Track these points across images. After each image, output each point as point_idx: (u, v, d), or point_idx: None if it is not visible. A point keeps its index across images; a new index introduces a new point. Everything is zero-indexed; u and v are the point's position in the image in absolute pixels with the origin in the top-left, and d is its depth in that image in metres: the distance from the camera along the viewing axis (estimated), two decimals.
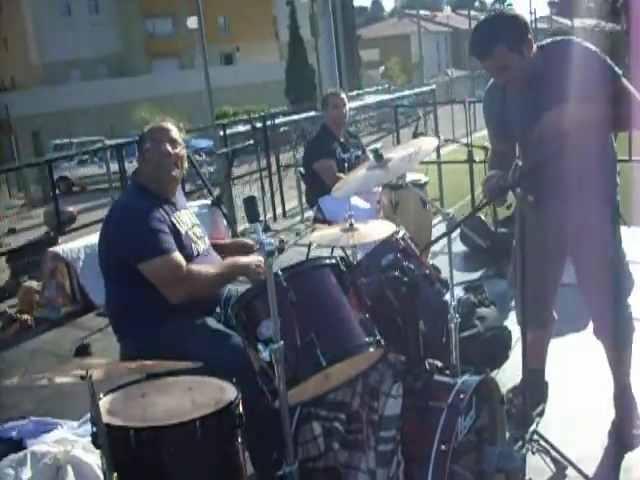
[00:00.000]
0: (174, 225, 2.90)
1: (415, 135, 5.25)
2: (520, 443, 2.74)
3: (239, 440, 2.23)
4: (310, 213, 9.02)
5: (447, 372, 2.49)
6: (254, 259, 2.89)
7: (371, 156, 2.89)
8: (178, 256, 2.76)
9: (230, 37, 43.10)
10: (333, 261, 2.21)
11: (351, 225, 3.34)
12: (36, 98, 33.16)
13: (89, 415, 3.69)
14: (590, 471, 2.93)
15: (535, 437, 2.94)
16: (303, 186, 8.90)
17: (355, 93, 24.30)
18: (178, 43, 42.42)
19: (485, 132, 3.30)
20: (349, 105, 5.77)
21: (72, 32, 39.55)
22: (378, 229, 3.43)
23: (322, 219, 5.59)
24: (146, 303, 2.82)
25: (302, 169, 5.72)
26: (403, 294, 2.27)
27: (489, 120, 3.13)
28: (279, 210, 8.57)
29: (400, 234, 2.54)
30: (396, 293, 2.30)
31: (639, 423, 3.15)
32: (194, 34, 32.23)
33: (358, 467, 2.22)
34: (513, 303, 4.64)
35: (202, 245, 3.03)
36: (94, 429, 2.18)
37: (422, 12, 57.12)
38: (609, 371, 3.18)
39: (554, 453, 2.94)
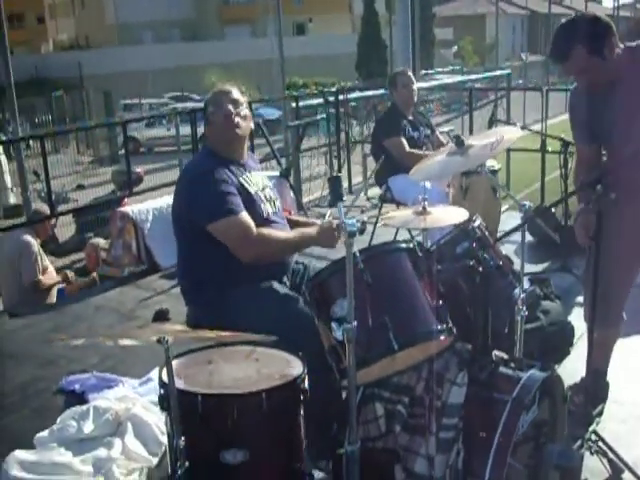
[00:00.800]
0: (242, 185, 2.93)
1: (491, 121, 5.17)
2: (579, 442, 2.71)
3: (301, 414, 2.26)
4: (374, 190, 9.02)
5: (512, 365, 2.47)
6: (327, 225, 2.89)
7: (450, 141, 2.87)
8: (246, 217, 2.80)
9: (303, 7, 42.89)
10: (410, 245, 2.21)
11: (424, 209, 3.33)
12: (109, 57, 33.74)
13: (150, 375, 3.84)
14: None
15: (594, 437, 2.91)
16: (369, 163, 8.90)
17: (425, 72, 23.98)
18: (252, 10, 42.46)
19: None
20: (422, 84, 5.74)
21: None
22: (451, 215, 3.40)
23: (390, 198, 5.57)
24: (215, 265, 2.87)
25: (372, 147, 5.70)
26: (477, 284, 2.26)
27: (575, 121, 3.08)
28: (344, 185, 8.55)
29: (476, 222, 2.51)
30: (469, 282, 2.28)
31: None
32: (269, 2, 32.34)
33: (418, 451, 2.23)
34: (578, 299, 4.60)
35: (271, 208, 3.05)
36: (162, 391, 2.24)
37: None
38: None
39: (611, 455, 2.91)
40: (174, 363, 2.39)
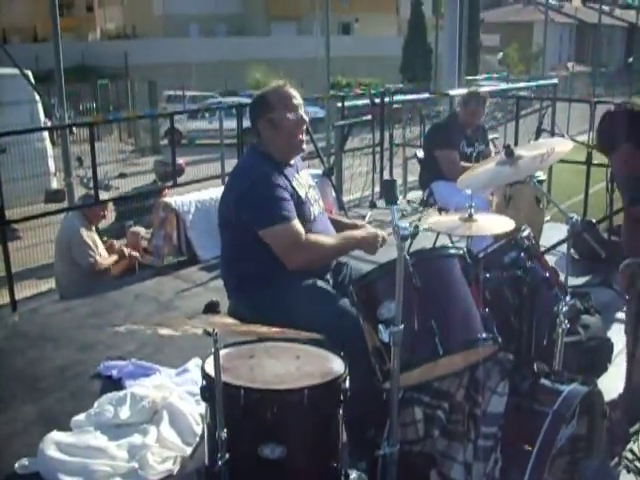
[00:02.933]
0: (294, 189, 2.94)
1: (539, 131, 5.13)
2: (616, 460, 2.68)
3: (340, 414, 2.27)
4: (414, 194, 8.99)
5: (553, 377, 2.46)
6: (372, 232, 2.95)
7: (501, 151, 2.85)
8: (298, 224, 2.81)
9: (350, 7, 42.86)
10: (460, 252, 2.21)
11: (470, 215, 3.32)
12: (155, 48, 34.09)
13: (187, 365, 3.88)
14: None
15: (630, 456, 2.88)
16: (410, 166, 8.87)
17: (470, 78, 23.81)
18: (298, 7, 42.55)
19: None
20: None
21: None
22: (497, 223, 3.39)
23: (433, 203, 5.57)
24: (260, 261, 2.89)
25: (419, 152, 5.69)
26: (524, 294, 2.25)
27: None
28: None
29: (525, 233, 2.50)
30: (516, 292, 2.27)
31: None
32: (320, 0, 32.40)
33: (455, 458, 2.23)
34: (618, 314, 4.55)
35: (318, 208, 3.07)
36: (204, 382, 2.27)
37: (550, 1, 55.32)
38: None
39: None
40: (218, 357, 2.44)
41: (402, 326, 1.97)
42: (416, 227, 1.96)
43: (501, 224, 3.39)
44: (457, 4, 13.44)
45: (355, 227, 3.18)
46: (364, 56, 35.31)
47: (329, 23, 12.19)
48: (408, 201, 8.19)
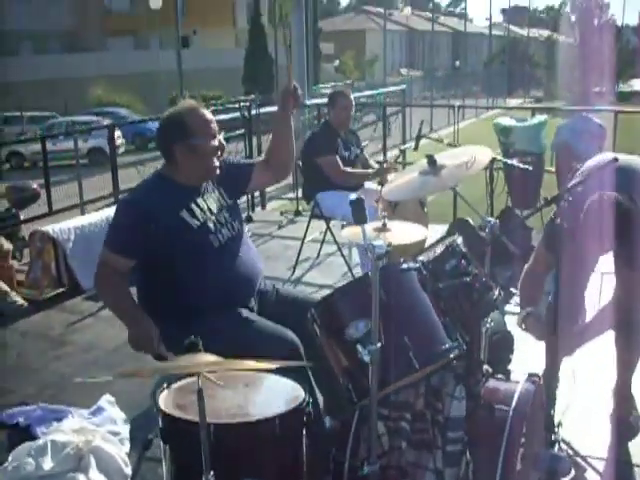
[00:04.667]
0: (183, 219, 2.84)
1: (418, 137, 5.29)
2: (557, 446, 2.83)
3: (304, 439, 2.24)
4: (278, 203, 9.04)
5: (500, 376, 2.56)
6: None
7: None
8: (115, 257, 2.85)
9: (187, 20, 42.51)
10: (417, 265, 2.24)
11: (384, 225, 3.38)
12: None
13: (100, 404, 3.68)
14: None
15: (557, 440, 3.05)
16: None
17: (316, 86, 24.31)
18: (134, 22, 41.63)
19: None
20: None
21: (25, 3, 38.30)
22: (411, 231, 3.49)
23: (319, 214, 5.61)
24: (177, 296, 2.83)
25: (300, 162, 5.72)
26: (473, 300, 2.32)
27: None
28: (258, 199, 8.56)
29: (459, 240, 2.58)
30: (466, 298, 2.34)
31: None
32: (154, 14, 31.87)
33: (426, 466, 2.26)
34: (507, 307, 4.80)
35: (229, 232, 2.94)
36: (162, 423, 2.16)
37: (378, 9, 57.51)
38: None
39: (575, 456, 3.06)
40: (168, 393, 2.33)
41: (379, 344, 1.97)
42: (389, 244, 1.95)
43: (416, 232, 3.50)
44: (303, 14, 13.66)
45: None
46: (204, 68, 35.05)
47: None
48: (281, 212, 8.23)
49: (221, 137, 2.95)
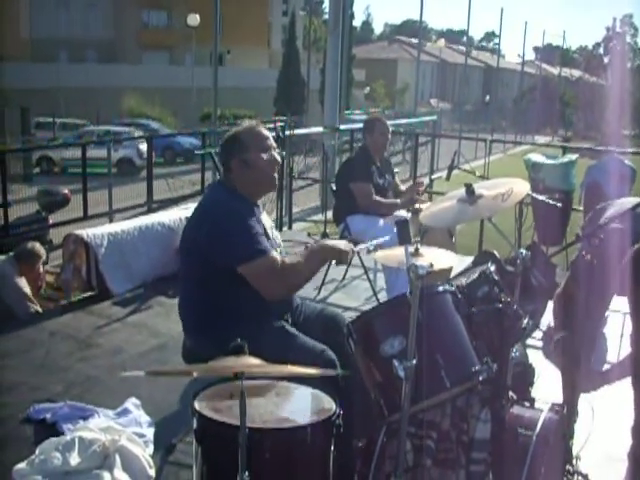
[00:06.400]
0: (264, 229, 2.98)
1: (451, 168, 5.37)
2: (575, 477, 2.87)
3: (332, 449, 2.30)
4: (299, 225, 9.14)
5: (525, 404, 2.61)
6: (341, 242, 2.99)
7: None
8: (275, 254, 2.84)
9: (222, 39, 43.05)
10: (452, 288, 2.31)
11: (417, 250, 3.45)
12: (22, 72, 32.67)
13: (126, 405, 3.77)
14: None
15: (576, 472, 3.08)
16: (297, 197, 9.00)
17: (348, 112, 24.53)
18: (171, 37, 42.29)
19: None
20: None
21: (64, 10, 39.09)
22: (442, 257, 3.55)
23: (348, 237, 5.69)
24: (230, 302, 2.89)
25: (334, 185, 5.82)
26: (504, 326, 2.38)
27: None
28: (285, 219, 8.67)
29: (492, 267, 2.64)
30: (497, 324, 2.40)
31: None
32: (191, 30, 32.37)
33: None
34: (530, 341, 4.83)
35: (277, 249, 3.07)
36: (196, 423, 2.24)
37: (412, 40, 57.97)
38: None
39: None
40: (204, 396, 2.41)
41: (414, 361, 2.05)
42: (431, 265, 2.03)
43: (446, 258, 3.56)
44: (339, 41, 13.84)
45: None
46: (236, 87, 35.46)
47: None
48: (309, 234, 8.31)
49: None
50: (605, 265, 3.03)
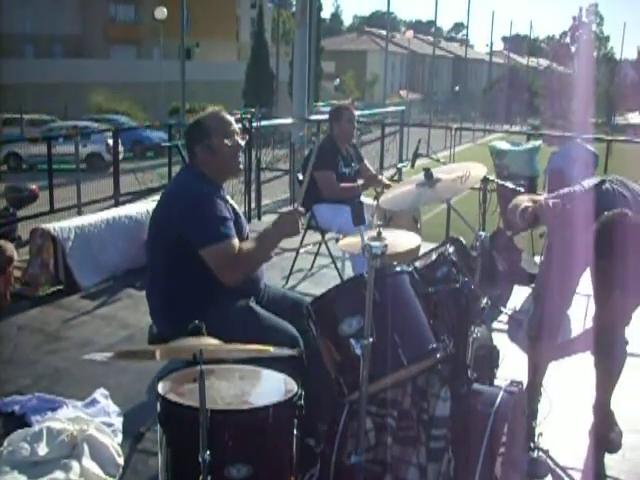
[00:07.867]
0: (234, 209, 3.03)
1: (415, 156, 5.41)
2: (536, 453, 2.95)
3: (295, 430, 2.34)
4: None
5: (483, 381, 2.68)
6: (283, 214, 3.00)
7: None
8: (236, 241, 2.88)
9: (191, 32, 42.82)
10: (410, 269, 2.36)
11: (379, 234, 3.50)
12: None
13: (95, 396, 3.77)
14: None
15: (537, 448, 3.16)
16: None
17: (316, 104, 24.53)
18: (139, 31, 41.94)
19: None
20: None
21: (31, 5, 38.50)
22: (405, 240, 3.60)
23: (315, 226, 5.73)
24: (197, 284, 2.93)
25: (299, 175, 5.84)
26: (462, 305, 2.44)
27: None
28: (254, 211, 8.68)
29: (451, 249, 2.70)
30: (455, 304, 2.46)
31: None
32: (159, 24, 32.13)
33: (409, 461, 2.37)
34: (495, 324, 4.91)
35: (245, 232, 3.14)
36: (160, 407, 2.26)
37: (381, 31, 58.04)
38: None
39: (550, 463, 3.17)
40: (168, 381, 2.44)
41: (371, 339, 2.09)
42: (385, 246, 2.07)
43: (409, 240, 3.62)
44: (307, 33, 13.84)
45: None
46: (205, 81, 35.31)
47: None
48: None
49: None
50: (574, 230, 3.08)
